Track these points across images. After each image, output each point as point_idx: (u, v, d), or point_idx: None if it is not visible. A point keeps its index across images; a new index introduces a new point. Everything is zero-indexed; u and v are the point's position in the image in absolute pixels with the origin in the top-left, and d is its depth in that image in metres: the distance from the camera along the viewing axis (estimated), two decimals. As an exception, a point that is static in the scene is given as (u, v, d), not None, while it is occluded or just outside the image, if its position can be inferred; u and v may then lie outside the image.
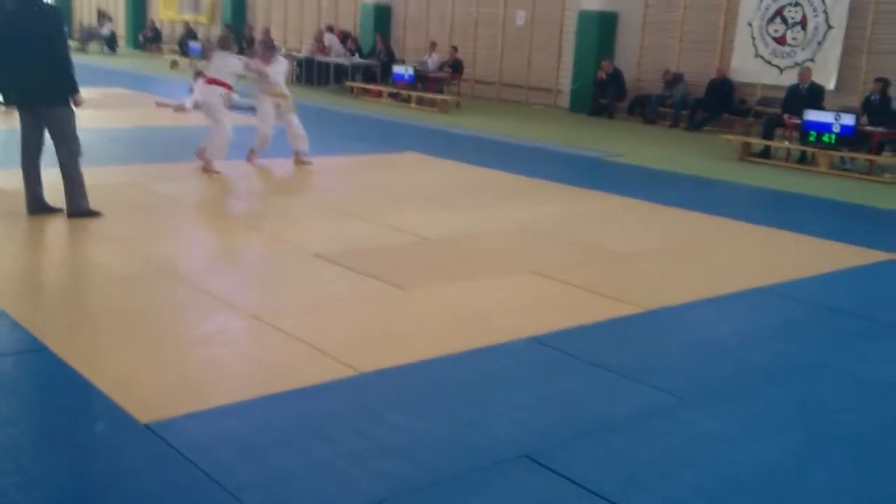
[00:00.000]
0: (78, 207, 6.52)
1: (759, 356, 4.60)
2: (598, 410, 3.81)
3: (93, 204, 6.63)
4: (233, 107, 14.35)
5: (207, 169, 8.57)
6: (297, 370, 4.01)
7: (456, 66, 18.03)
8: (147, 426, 3.37)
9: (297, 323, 4.61)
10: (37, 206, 6.57)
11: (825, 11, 13.90)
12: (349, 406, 3.68)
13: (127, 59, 25.19)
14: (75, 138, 6.50)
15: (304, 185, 8.57)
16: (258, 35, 22.47)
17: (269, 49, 9.47)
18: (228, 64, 8.83)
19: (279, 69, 9.25)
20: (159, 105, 14.00)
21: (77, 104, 6.41)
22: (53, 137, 6.46)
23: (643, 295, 5.51)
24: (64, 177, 6.50)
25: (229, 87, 8.84)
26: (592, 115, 16.51)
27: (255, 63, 9.08)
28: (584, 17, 16.85)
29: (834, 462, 3.49)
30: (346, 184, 8.71)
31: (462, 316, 4.95)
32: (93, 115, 12.48)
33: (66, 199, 6.54)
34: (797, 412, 3.94)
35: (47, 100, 6.32)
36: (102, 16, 28.89)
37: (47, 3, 6.38)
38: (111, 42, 27.25)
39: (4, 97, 7.02)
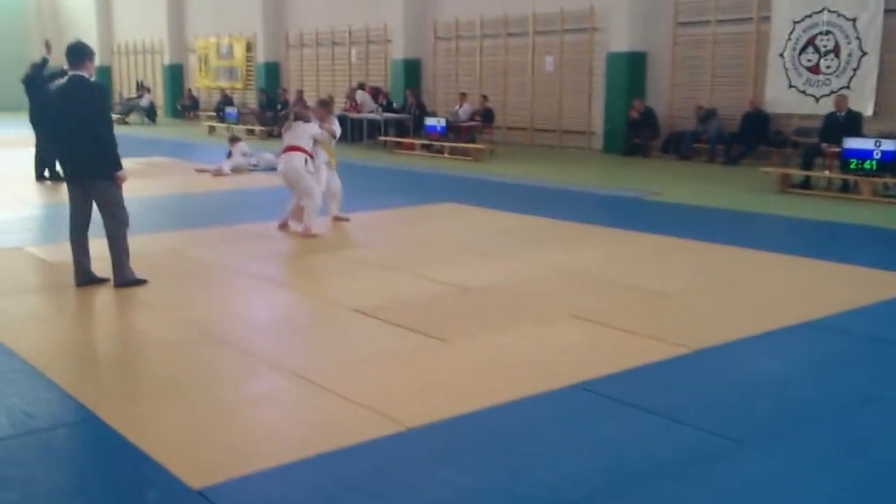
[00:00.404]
0: (124, 278, 6.68)
1: (809, 392, 4.52)
2: (648, 455, 3.76)
3: (136, 272, 6.79)
4: (255, 166, 14.61)
5: (308, 234, 8.67)
6: (344, 428, 4.03)
7: (487, 115, 18.21)
8: (199, 492, 3.40)
9: (341, 380, 4.64)
10: (84, 278, 6.73)
11: (858, 38, 13.84)
12: (397, 462, 3.68)
13: (166, 128, 25.82)
14: (122, 209, 6.67)
15: (342, 240, 8.66)
16: (291, 97, 22.96)
17: (327, 108, 9.48)
18: (308, 129, 8.93)
19: (337, 127, 9.41)
20: (199, 171, 14.30)
21: (120, 181, 6.59)
22: (101, 210, 6.64)
23: (687, 335, 5.46)
24: (110, 248, 6.67)
25: (309, 154, 8.85)
26: (627, 154, 16.52)
27: (328, 125, 9.18)
28: (613, 59, 16.96)
29: (893, 497, 3.39)
30: (384, 237, 8.78)
31: (505, 365, 4.94)
32: (134, 184, 12.77)
33: (113, 269, 6.70)
34: (853, 448, 3.85)
35: (93, 174, 6.51)
36: (141, 87, 29.72)
37: (93, 82, 6.60)
38: (150, 112, 27.98)
39: (61, 171, 7.26)
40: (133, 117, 28.10)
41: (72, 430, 4.06)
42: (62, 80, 6.73)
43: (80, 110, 6.43)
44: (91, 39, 34.41)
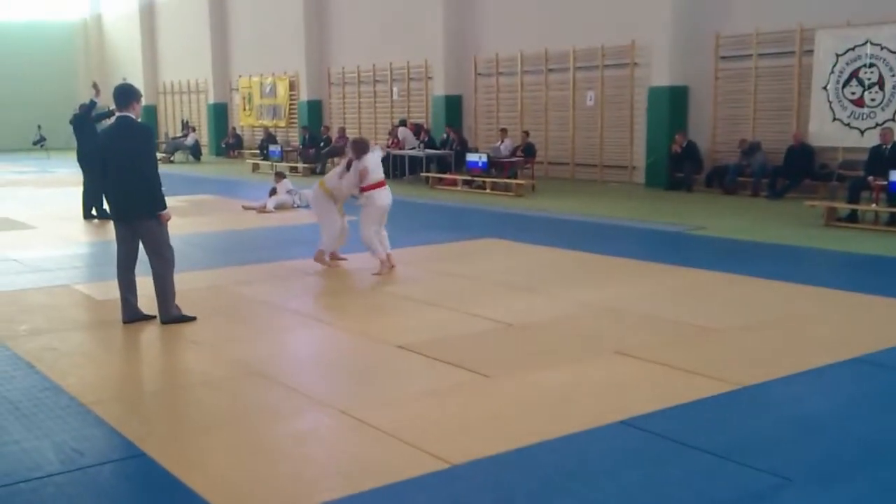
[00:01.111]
0: (170, 315, 6.77)
1: (861, 430, 4.42)
2: (698, 495, 3.69)
3: (189, 306, 6.90)
4: (299, 204, 14.74)
5: (390, 266, 8.81)
6: (390, 465, 4.01)
7: (528, 150, 18.24)
8: (244, 529, 3.40)
9: (387, 416, 4.63)
10: (131, 315, 6.83)
11: (902, 70, 13.67)
12: (442, 500, 3.65)
13: (211, 167, 26.24)
14: (168, 248, 6.79)
15: (385, 277, 8.69)
16: (333, 134, 23.24)
17: (356, 147, 9.10)
18: (335, 170, 9.17)
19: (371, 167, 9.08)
20: (245, 208, 14.49)
21: (164, 219, 6.70)
22: (147, 249, 6.77)
23: (734, 371, 5.37)
24: (156, 286, 6.77)
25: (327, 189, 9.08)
26: (669, 189, 16.40)
27: (362, 164, 8.87)
28: (655, 93, 16.93)
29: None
30: (426, 273, 8.79)
31: (550, 401, 4.90)
32: (178, 222, 12.98)
33: (159, 307, 6.80)
34: (910, 489, 3.74)
35: (140, 214, 6.65)
36: (186, 126, 30.30)
37: (140, 123, 6.78)
38: (195, 151, 28.48)
39: (108, 210, 7.42)
40: (178, 156, 28.62)
41: (119, 466, 4.10)
42: (111, 121, 6.92)
43: (128, 151, 6.61)
44: (137, 79, 35.41)
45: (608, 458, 4.09)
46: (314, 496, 3.70)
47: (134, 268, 6.85)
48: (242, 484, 3.86)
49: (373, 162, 8.86)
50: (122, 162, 6.61)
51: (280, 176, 15.30)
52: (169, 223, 6.75)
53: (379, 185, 8.85)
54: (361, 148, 8.93)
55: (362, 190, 8.80)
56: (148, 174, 6.60)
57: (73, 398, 5.00)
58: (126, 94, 6.73)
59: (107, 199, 6.94)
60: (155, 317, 6.84)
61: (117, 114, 6.75)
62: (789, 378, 5.26)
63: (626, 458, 4.09)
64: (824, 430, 4.43)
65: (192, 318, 6.85)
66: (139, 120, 6.83)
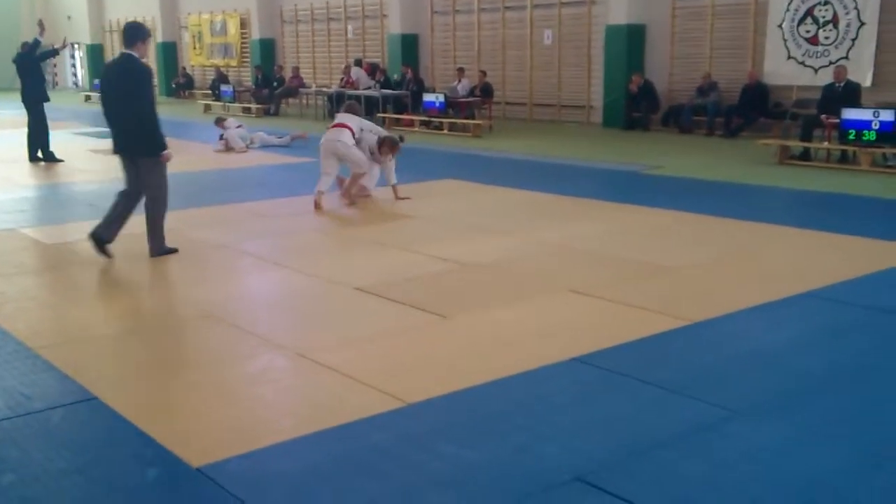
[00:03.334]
0: (160, 249, 6.92)
1: (810, 363, 4.51)
2: (648, 428, 3.75)
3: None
4: (250, 144, 14.60)
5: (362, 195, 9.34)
6: (344, 405, 4.01)
7: (486, 90, 18.10)
8: (199, 470, 3.39)
9: (342, 357, 4.62)
10: (101, 235, 6.81)
11: (856, 8, 13.74)
12: (398, 439, 3.66)
13: (161, 108, 25.44)
14: (162, 187, 6.88)
15: (340, 219, 8.62)
16: (287, 73, 22.83)
17: (390, 146, 9.62)
18: (361, 122, 9.56)
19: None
20: (218, 152, 14.33)
21: (164, 161, 6.80)
22: (141, 184, 6.85)
23: (687, 307, 5.44)
24: (147, 221, 6.90)
25: (353, 132, 9.33)
26: (627, 128, 16.44)
27: (387, 160, 9.55)
28: (612, 31, 16.84)
29: (891, 468, 3.39)
30: (382, 215, 8.74)
31: (505, 340, 4.92)
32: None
33: (149, 241, 6.93)
34: (852, 419, 3.84)
35: (136, 151, 6.77)
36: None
37: (140, 63, 6.75)
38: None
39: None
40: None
41: (70, 410, 4.04)
42: (114, 61, 6.99)
43: (125, 89, 6.66)
44: (82, 17, 34.46)
45: (561, 394, 4.13)
46: (268, 436, 3.69)
47: (136, 195, 6.89)
48: (196, 425, 3.84)
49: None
50: (120, 100, 6.67)
51: (220, 121, 15.06)
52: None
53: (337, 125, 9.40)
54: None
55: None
56: (145, 115, 6.63)
57: (21, 343, 4.91)
58: (131, 33, 6.76)
59: (111, 133, 7.01)
60: (175, 250, 7.00)
61: (121, 51, 6.79)
62: (740, 314, 5.34)
63: (578, 394, 4.14)
64: (773, 364, 4.51)
65: (176, 250, 7.02)
66: (143, 60, 6.81)
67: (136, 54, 6.72)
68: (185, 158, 13.52)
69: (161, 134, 6.74)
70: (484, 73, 18.52)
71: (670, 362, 4.55)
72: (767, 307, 5.48)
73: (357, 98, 19.66)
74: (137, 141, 6.70)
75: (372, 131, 9.58)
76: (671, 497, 3.17)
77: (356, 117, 9.57)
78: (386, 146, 9.47)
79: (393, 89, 19.56)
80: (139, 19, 32.69)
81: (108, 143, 6.65)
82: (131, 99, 6.63)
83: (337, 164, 9.28)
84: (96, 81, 27.56)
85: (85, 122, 20.83)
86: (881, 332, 5.03)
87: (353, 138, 9.26)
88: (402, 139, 9.96)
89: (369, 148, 9.46)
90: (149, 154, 6.73)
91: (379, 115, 18.91)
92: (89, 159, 13.44)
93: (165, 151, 6.75)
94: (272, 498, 3.20)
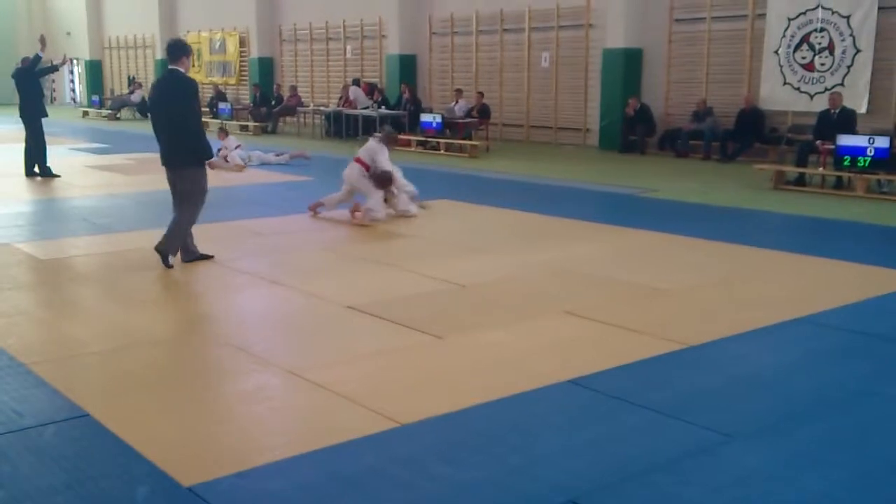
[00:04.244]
0: (165, 248, 7.12)
1: (803, 388, 4.50)
2: (642, 451, 3.74)
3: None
4: (264, 164, 14.65)
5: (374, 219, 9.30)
6: (338, 425, 3.99)
7: (483, 112, 18.16)
8: (190, 489, 3.37)
9: (335, 376, 4.60)
10: (188, 256, 7.32)
11: (852, 35, 13.84)
12: (392, 459, 3.65)
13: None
14: (197, 204, 7.24)
15: (336, 237, 8.62)
16: (285, 92, 22.89)
17: (388, 140, 9.98)
18: (374, 150, 9.67)
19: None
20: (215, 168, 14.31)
21: (211, 168, 7.33)
22: (180, 195, 7.21)
23: (682, 331, 5.43)
24: (172, 222, 7.20)
25: (366, 166, 9.56)
26: (623, 152, 16.49)
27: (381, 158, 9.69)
28: (609, 55, 16.93)
29: (884, 492, 3.38)
30: (378, 234, 8.74)
31: (501, 361, 4.91)
32: (127, 180, 12.75)
33: (164, 237, 7.15)
34: (844, 443, 3.83)
35: (180, 163, 7.11)
36: (133, 82, 29.59)
37: (186, 77, 7.10)
38: (142, 108, 27.87)
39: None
40: (125, 113, 28.01)
41: (61, 427, 4.01)
42: (163, 75, 7.29)
43: (172, 104, 7.00)
44: (81, 34, 34.57)
45: (555, 417, 4.12)
46: (261, 455, 3.67)
47: None
48: (188, 444, 3.81)
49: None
50: (167, 114, 7.02)
51: (223, 133, 15.05)
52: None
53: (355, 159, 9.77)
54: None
55: None
56: (190, 127, 6.99)
57: (13, 358, 4.89)
58: (176, 49, 7.10)
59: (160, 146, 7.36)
60: (212, 256, 7.39)
61: (169, 66, 7.10)
62: (735, 338, 5.34)
63: (573, 416, 4.13)
64: (767, 388, 4.51)
65: (212, 257, 7.41)
66: (187, 73, 7.13)
67: (180, 69, 7.05)
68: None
69: (206, 143, 7.13)
70: (481, 95, 18.60)
71: (665, 385, 4.54)
72: (761, 332, 5.48)
73: (353, 117, 19.82)
74: (182, 151, 7.04)
75: (380, 163, 9.60)
76: (665, 521, 3.15)
77: (371, 152, 9.68)
78: (375, 181, 9.55)
79: (391, 109, 19.62)
80: (139, 36, 32.97)
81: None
82: (177, 111, 6.97)
83: (351, 191, 9.64)
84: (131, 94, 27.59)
85: (82, 138, 20.85)
86: (874, 357, 5.03)
87: (365, 168, 9.54)
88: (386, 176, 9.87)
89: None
90: (192, 164, 7.07)
91: (377, 134, 18.94)
92: (86, 175, 13.43)
93: (212, 159, 7.21)
94: (264, 518, 3.17)
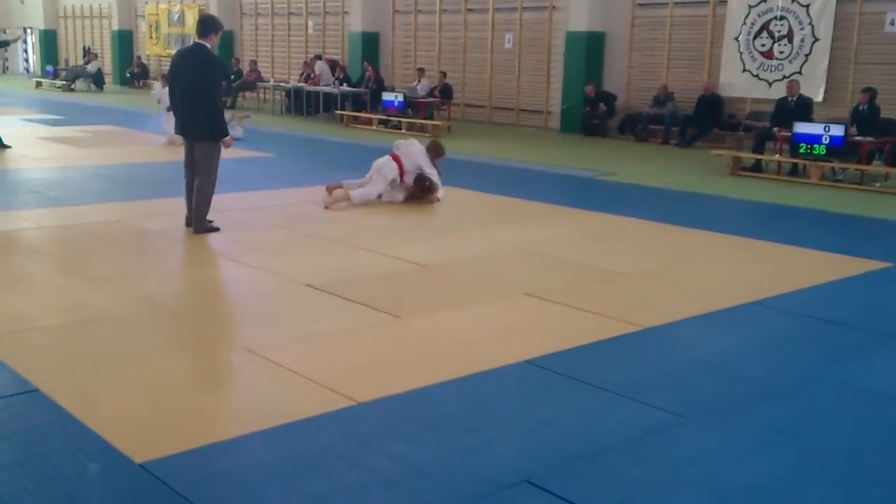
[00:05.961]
0: (202, 227, 7.40)
1: (754, 371, 4.57)
2: (596, 431, 3.77)
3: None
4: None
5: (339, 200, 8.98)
6: (293, 403, 3.97)
7: (445, 91, 18.09)
8: (142, 466, 3.32)
9: (292, 355, 4.57)
10: (188, 221, 7.54)
11: (811, 24, 14.00)
12: (347, 437, 3.63)
13: (114, 96, 25.26)
14: (215, 170, 7.38)
15: (295, 215, 8.54)
16: (244, 67, 22.59)
17: (435, 151, 9.74)
18: (415, 155, 9.39)
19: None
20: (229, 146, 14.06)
21: (225, 146, 7.38)
22: (196, 166, 7.38)
23: (638, 313, 5.48)
24: (196, 199, 7.38)
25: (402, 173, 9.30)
26: (584, 135, 16.55)
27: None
28: (572, 38, 16.95)
29: (832, 475, 3.45)
30: (338, 213, 8.68)
31: (458, 342, 4.91)
32: (82, 153, 12.50)
33: (193, 218, 7.43)
34: (794, 426, 3.90)
35: (197, 135, 7.29)
36: (88, 53, 28.97)
37: (211, 54, 7.28)
38: (98, 79, 27.35)
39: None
40: (79, 84, 27.44)
41: (9, 402, 3.94)
42: (186, 49, 7.56)
43: (194, 77, 7.15)
44: (35, 2, 33.70)
45: (511, 396, 4.14)
46: (215, 433, 3.63)
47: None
48: (141, 421, 3.76)
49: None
50: (188, 86, 7.17)
51: (169, 109, 14.77)
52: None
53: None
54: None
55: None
56: (210, 102, 7.16)
57: (-38, 332, 4.78)
58: (205, 25, 7.31)
59: (175, 115, 7.59)
60: (218, 229, 7.47)
61: (195, 40, 7.33)
62: (690, 320, 5.40)
63: (528, 396, 4.15)
64: (721, 370, 4.57)
65: (218, 229, 7.49)
66: (214, 50, 7.31)
67: (208, 45, 7.20)
68: (136, 149, 13.33)
69: (223, 122, 7.31)
70: (444, 74, 18.52)
71: (621, 367, 4.58)
72: (716, 314, 5.55)
73: (315, 94, 19.64)
74: (201, 126, 7.18)
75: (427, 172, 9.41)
76: (617, 500, 3.18)
77: (415, 158, 9.42)
78: (419, 187, 9.35)
79: (353, 86, 19.47)
80: (95, 6, 32.25)
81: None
82: (201, 86, 7.12)
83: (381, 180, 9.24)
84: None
85: (35, 108, 20.40)
86: (824, 341, 5.12)
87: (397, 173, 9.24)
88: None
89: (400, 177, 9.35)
90: (210, 139, 7.22)
91: (337, 111, 18.81)
92: (38, 146, 13.14)
93: (227, 137, 7.30)
94: (218, 496, 3.15)
